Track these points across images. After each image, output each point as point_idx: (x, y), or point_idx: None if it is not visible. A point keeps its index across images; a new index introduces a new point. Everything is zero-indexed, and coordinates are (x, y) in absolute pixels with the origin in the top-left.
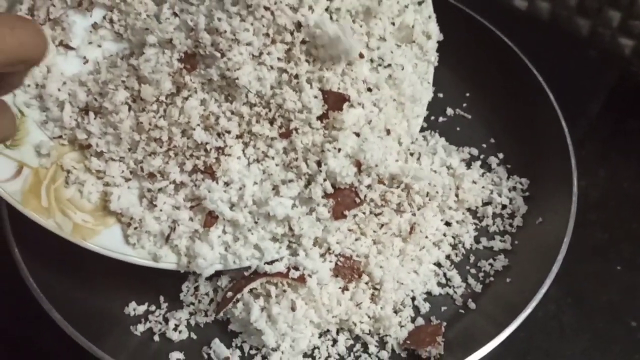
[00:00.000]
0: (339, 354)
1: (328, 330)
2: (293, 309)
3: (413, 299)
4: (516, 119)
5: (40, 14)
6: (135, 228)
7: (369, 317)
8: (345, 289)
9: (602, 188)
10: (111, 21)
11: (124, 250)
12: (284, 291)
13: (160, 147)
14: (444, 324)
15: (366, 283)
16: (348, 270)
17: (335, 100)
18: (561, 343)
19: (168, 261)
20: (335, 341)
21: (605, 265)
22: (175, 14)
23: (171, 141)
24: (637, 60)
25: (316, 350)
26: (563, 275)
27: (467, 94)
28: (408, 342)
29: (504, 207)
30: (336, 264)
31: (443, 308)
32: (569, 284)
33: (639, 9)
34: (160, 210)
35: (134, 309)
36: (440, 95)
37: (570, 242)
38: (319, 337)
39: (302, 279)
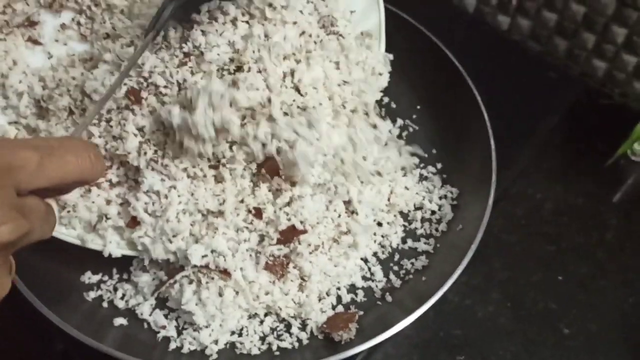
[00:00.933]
0: (263, 333)
1: (256, 314)
2: (220, 294)
3: (338, 288)
4: (455, 134)
5: (17, 10)
6: (68, 212)
7: (294, 302)
8: (274, 282)
9: (556, 202)
10: (78, 23)
11: (58, 228)
12: (212, 278)
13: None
14: (360, 312)
15: (295, 275)
16: (278, 267)
17: None
18: (494, 343)
19: (94, 244)
20: (262, 322)
21: (548, 275)
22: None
23: (106, 149)
24: (609, 82)
25: (244, 329)
26: (507, 281)
27: (418, 107)
28: (324, 326)
29: (433, 212)
30: (266, 262)
31: (363, 299)
32: (511, 290)
33: (612, 34)
34: (93, 202)
35: (88, 277)
36: (393, 105)
37: (520, 251)
38: (248, 318)
39: (226, 273)
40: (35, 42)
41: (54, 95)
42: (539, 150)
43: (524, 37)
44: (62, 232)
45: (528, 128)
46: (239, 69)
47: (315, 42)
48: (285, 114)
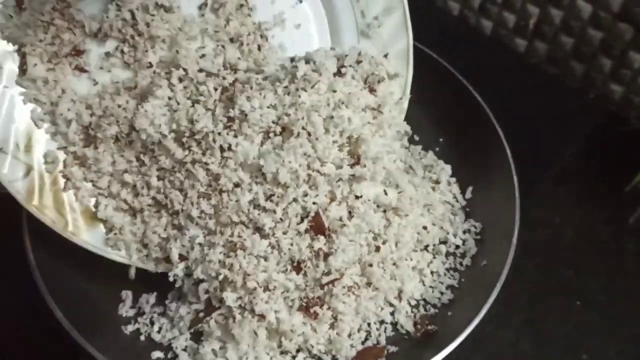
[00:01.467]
0: None
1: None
2: (255, 333)
3: (368, 324)
4: (478, 168)
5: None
6: (115, 234)
7: (325, 339)
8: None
9: (575, 228)
10: (122, 52)
11: (104, 248)
12: (247, 318)
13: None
14: (388, 347)
15: (328, 315)
16: (313, 309)
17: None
18: None
19: (139, 264)
20: (294, 357)
21: (567, 301)
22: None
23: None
24: (625, 105)
25: None
26: (526, 305)
27: (441, 139)
28: None
29: (457, 247)
30: (301, 305)
31: (391, 333)
32: (531, 315)
33: (629, 60)
34: (137, 228)
35: (126, 311)
36: (417, 137)
37: (539, 276)
38: (280, 354)
39: (262, 316)
40: (82, 70)
41: (102, 124)
42: (558, 176)
43: (541, 60)
44: (108, 252)
45: (547, 154)
46: (285, 130)
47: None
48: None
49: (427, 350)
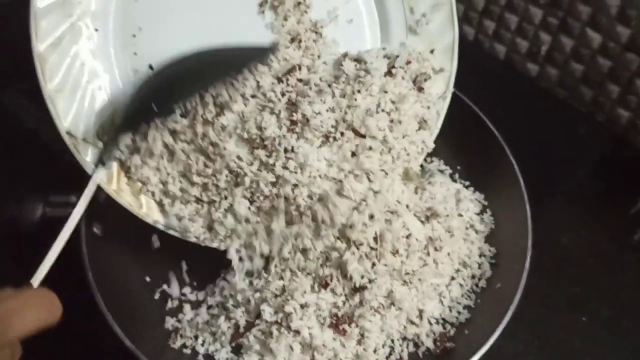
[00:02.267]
0: None
1: None
2: (292, 348)
3: (392, 341)
4: (493, 196)
5: None
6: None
7: (352, 354)
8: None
9: (582, 246)
10: None
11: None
12: (283, 333)
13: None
14: None
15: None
16: (342, 326)
17: None
18: None
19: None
20: None
21: (573, 316)
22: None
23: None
24: (632, 129)
25: None
26: (536, 320)
27: (458, 167)
28: None
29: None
30: (331, 322)
31: (412, 349)
32: (538, 329)
33: (635, 87)
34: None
35: (171, 324)
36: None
37: (547, 293)
38: None
39: (297, 332)
40: None
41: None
42: (566, 197)
43: (552, 84)
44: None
45: (556, 176)
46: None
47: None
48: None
49: None
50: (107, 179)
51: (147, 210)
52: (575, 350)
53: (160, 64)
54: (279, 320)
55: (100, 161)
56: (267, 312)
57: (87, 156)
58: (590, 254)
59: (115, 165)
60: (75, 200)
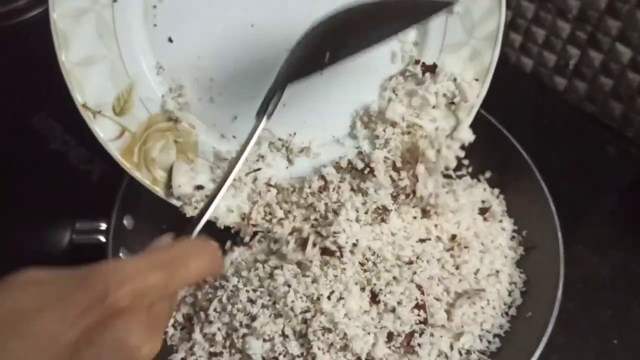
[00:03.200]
0: None
1: None
2: None
3: None
4: (521, 219)
5: None
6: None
7: None
8: None
9: (613, 266)
10: None
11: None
12: None
13: None
14: None
15: None
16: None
17: None
18: None
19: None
20: None
21: (604, 340)
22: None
23: None
24: None
25: None
26: (565, 344)
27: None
28: None
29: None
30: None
31: None
32: (568, 354)
33: None
34: None
35: None
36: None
37: (577, 315)
38: None
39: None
40: None
41: None
42: (597, 216)
43: (580, 99)
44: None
45: (586, 196)
46: None
47: None
48: None
49: None
50: (121, 152)
51: (160, 185)
52: None
53: (332, 11)
54: (304, 354)
55: (263, 107)
56: (294, 346)
57: (102, 130)
58: (621, 275)
59: (128, 138)
60: (104, 227)
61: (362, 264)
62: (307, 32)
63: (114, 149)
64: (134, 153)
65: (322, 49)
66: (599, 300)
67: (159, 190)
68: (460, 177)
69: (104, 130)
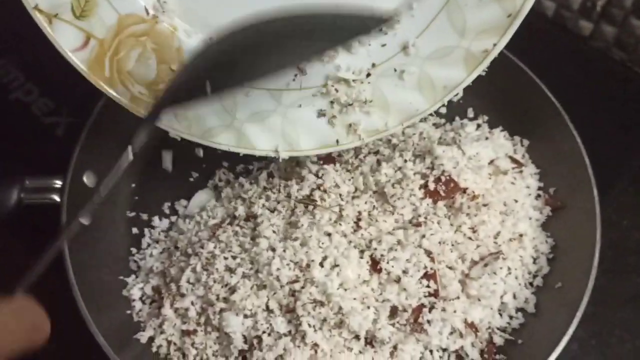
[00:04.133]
0: None
1: None
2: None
3: (430, 351)
4: (549, 177)
5: None
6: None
7: None
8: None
9: None
10: None
11: (175, 125)
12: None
13: None
14: None
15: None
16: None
17: None
18: None
19: (219, 142)
20: None
21: (637, 312)
22: None
23: None
24: None
25: None
26: (591, 316)
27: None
28: None
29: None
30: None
31: None
32: (596, 326)
33: None
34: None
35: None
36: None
37: (604, 284)
38: None
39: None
40: None
41: None
42: (628, 177)
43: (608, 45)
44: (178, 130)
45: (618, 152)
46: None
47: None
48: None
49: None
50: (88, 65)
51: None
52: (637, 350)
53: (226, 29)
54: (292, 332)
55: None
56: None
57: (62, 38)
58: None
59: (96, 47)
60: (58, 184)
61: (357, 222)
62: (195, 54)
63: (79, 62)
64: (105, 65)
65: (202, 79)
66: (630, 267)
67: (142, 112)
68: (478, 126)
69: (64, 38)
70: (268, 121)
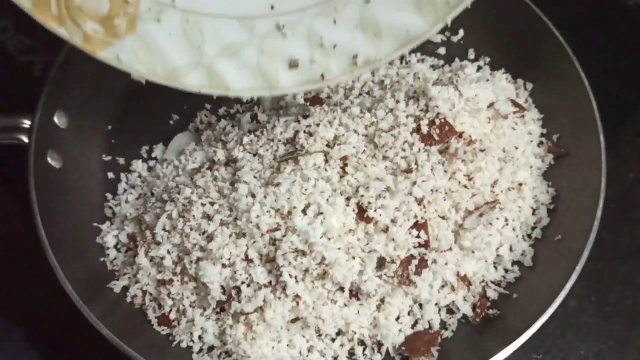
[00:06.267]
0: (334, 352)
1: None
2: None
3: (420, 306)
4: (552, 123)
5: None
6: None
7: (369, 323)
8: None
9: None
10: None
11: (136, 66)
12: (279, 299)
13: None
14: (442, 332)
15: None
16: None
17: None
18: (576, 342)
19: (187, 82)
20: (333, 341)
21: (638, 268)
22: None
23: None
24: None
25: (313, 348)
26: (590, 272)
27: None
28: (403, 348)
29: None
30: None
31: (447, 317)
32: (595, 283)
33: None
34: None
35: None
36: None
37: (606, 239)
38: (318, 336)
39: (298, 297)
40: None
41: None
42: (637, 128)
43: None
44: (141, 71)
45: (626, 103)
46: None
47: None
48: None
49: (488, 340)
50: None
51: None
52: (639, 307)
53: None
54: (273, 283)
55: None
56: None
57: None
58: None
59: None
60: (27, 124)
61: (343, 167)
62: None
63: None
64: (51, 1)
65: None
66: (634, 222)
67: (102, 54)
68: (479, 68)
69: None
70: (241, 55)
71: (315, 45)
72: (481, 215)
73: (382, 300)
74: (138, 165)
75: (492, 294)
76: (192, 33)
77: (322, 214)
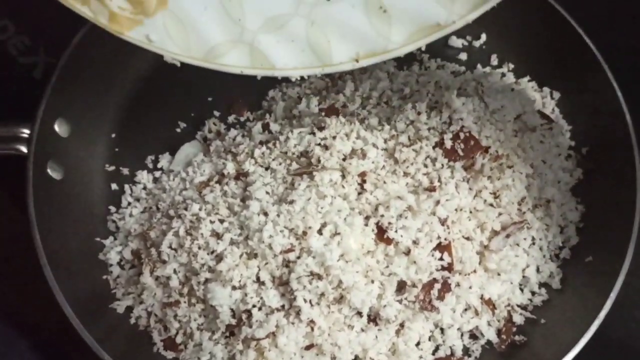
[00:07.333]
0: None
1: None
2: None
3: (441, 330)
4: (582, 135)
5: None
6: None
7: (387, 348)
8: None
9: None
10: None
11: (168, 47)
12: (293, 323)
13: None
14: (465, 359)
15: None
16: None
17: None
18: None
19: (227, 62)
20: None
21: None
22: None
23: None
24: None
25: None
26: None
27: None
28: None
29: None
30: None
31: (470, 342)
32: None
33: None
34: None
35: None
36: None
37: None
38: None
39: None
40: None
41: None
42: None
43: None
44: (175, 53)
45: None
46: None
47: None
48: None
49: None
50: None
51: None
52: None
53: None
54: (286, 307)
55: None
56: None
57: None
58: None
59: None
60: (26, 134)
61: (362, 184)
62: None
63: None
64: None
65: None
66: None
67: (131, 35)
68: (503, 75)
69: None
70: (288, 28)
71: (373, 10)
72: (508, 236)
73: (402, 325)
74: (143, 176)
75: (518, 318)
76: (230, 5)
77: (339, 234)
